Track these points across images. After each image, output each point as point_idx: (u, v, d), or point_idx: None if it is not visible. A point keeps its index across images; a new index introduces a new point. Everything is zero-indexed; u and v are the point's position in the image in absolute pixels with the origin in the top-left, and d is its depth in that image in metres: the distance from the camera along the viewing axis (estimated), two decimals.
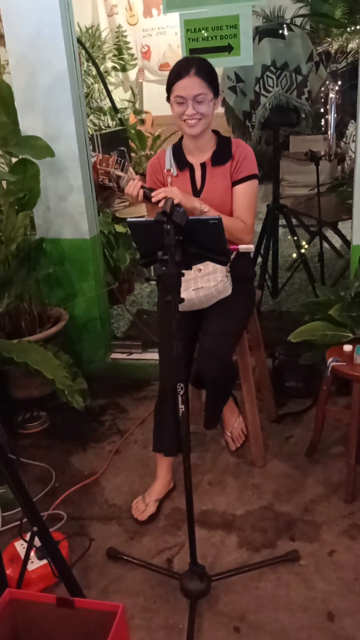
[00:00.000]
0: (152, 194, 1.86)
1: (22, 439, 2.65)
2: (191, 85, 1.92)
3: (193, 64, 1.94)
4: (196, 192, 2.07)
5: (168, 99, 1.99)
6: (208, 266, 2.00)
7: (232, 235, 2.00)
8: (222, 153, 2.08)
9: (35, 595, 1.46)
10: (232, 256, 2.07)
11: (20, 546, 1.88)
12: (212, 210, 1.98)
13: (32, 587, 1.78)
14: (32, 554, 1.77)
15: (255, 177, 2.09)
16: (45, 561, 1.78)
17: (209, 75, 1.94)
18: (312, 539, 1.98)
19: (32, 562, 1.81)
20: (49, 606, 1.31)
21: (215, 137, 2.12)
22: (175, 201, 1.79)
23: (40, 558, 1.81)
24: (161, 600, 1.80)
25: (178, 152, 2.12)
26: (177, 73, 1.94)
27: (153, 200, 1.85)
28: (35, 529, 1.47)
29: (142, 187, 1.92)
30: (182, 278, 1.52)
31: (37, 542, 1.54)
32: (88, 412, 2.57)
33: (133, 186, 1.93)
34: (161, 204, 1.72)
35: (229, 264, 2.05)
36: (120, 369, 3.11)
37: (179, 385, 1.60)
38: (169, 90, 1.98)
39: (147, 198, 1.91)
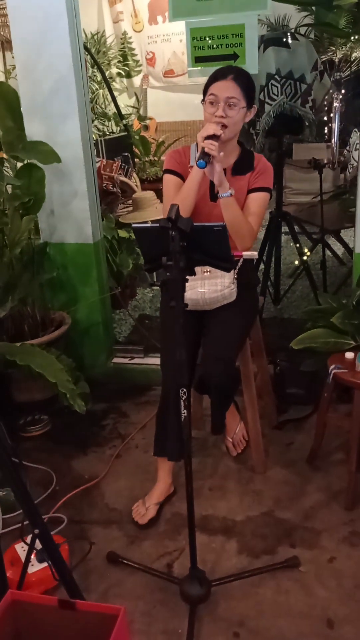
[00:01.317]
0: (204, 134, 1.88)
1: (23, 442, 2.65)
2: (225, 87, 1.96)
3: (232, 70, 2.00)
4: (213, 197, 2.09)
5: (203, 101, 2.03)
6: (216, 270, 2.02)
7: (240, 232, 2.02)
8: (244, 164, 2.11)
9: (37, 597, 1.46)
10: (239, 264, 2.09)
11: (20, 549, 1.89)
12: (234, 199, 1.99)
13: (32, 589, 1.78)
14: (32, 556, 1.78)
15: (269, 191, 2.12)
16: (45, 564, 1.78)
17: (245, 83, 1.99)
18: (312, 546, 1.98)
19: (32, 565, 1.81)
20: (51, 608, 1.32)
21: (239, 147, 2.15)
22: (215, 156, 1.86)
23: (40, 561, 1.81)
24: (161, 605, 1.80)
25: None
26: (214, 76, 2.00)
27: (203, 134, 1.88)
28: (36, 531, 1.47)
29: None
30: (190, 277, 1.54)
31: (37, 545, 1.55)
32: (89, 416, 2.57)
33: (214, 129, 1.89)
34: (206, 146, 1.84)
35: (235, 270, 2.06)
36: (122, 373, 3.11)
37: (182, 390, 1.61)
38: (205, 92, 2.02)
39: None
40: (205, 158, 1.86)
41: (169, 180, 2.14)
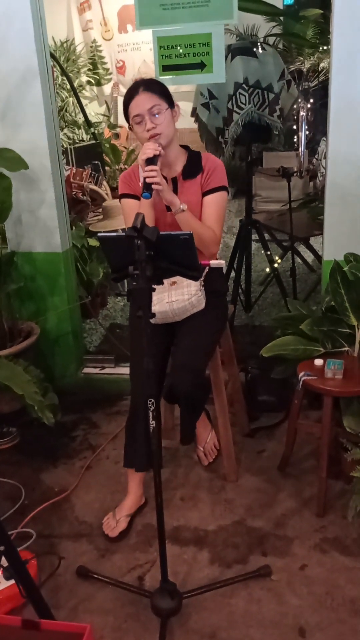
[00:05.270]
0: (143, 157, 1.90)
1: None
2: (142, 100, 1.96)
3: (140, 83, 2.01)
4: (169, 207, 2.08)
5: (130, 127, 2.03)
6: (182, 280, 2.01)
7: (203, 242, 2.01)
8: (193, 167, 2.11)
9: (0, 617, 1.42)
10: (205, 271, 2.08)
11: None
12: (189, 212, 1.99)
13: None
14: None
15: (225, 189, 2.11)
16: (12, 581, 1.74)
17: (158, 88, 1.99)
18: (284, 554, 1.98)
19: None
20: (15, 629, 1.28)
21: (185, 152, 2.14)
22: (158, 188, 1.89)
23: (7, 578, 1.77)
24: (132, 619, 1.77)
25: None
26: (128, 96, 2.00)
27: (142, 157, 1.90)
28: (2, 548, 1.44)
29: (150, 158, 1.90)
30: (156, 290, 1.52)
31: (4, 561, 1.51)
32: (59, 427, 2.53)
33: (153, 149, 1.91)
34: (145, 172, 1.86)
35: (202, 278, 2.06)
36: (93, 383, 3.08)
37: (150, 401, 1.59)
38: (126, 115, 2.02)
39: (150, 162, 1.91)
40: (149, 189, 1.87)
41: (126, 204, 2.14)
